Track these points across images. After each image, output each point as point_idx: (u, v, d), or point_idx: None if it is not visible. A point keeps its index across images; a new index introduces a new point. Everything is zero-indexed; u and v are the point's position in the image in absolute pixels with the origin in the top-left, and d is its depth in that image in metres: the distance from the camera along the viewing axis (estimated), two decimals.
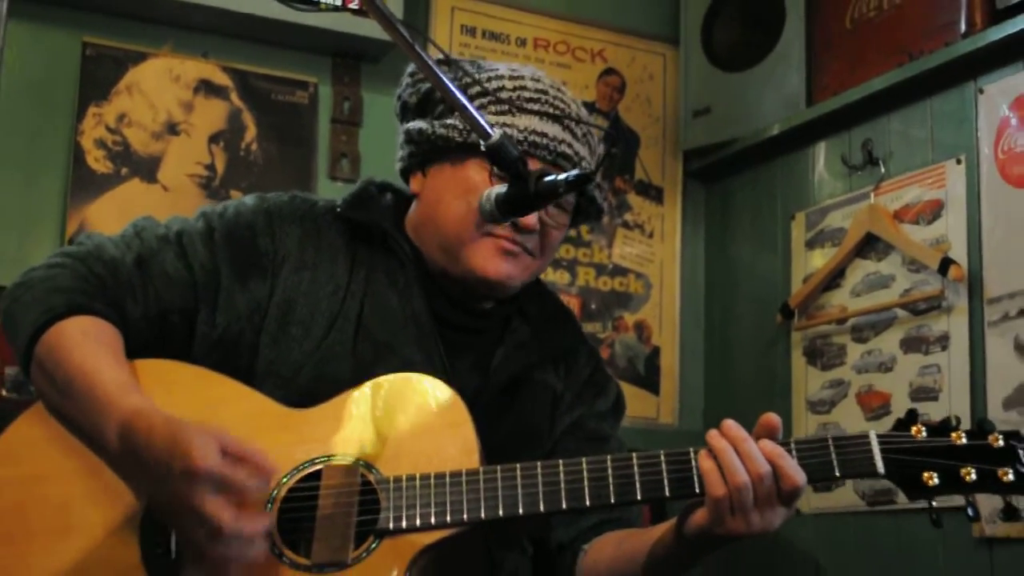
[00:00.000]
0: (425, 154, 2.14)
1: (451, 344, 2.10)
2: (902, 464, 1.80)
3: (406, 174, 2.20)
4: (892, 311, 3.55)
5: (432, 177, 2.13)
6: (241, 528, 1.68)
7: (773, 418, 1.81)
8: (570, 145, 2.09)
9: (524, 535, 2.13)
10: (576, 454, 2.09)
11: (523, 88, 2.11)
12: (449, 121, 2.09)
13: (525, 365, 2.15)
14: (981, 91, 3.36)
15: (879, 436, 1.81)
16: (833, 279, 3.76)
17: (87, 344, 1.87)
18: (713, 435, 1.80)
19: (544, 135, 2.06)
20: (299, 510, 1.83)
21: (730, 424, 1.80)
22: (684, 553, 1.87)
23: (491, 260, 2.05)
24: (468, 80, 2.09)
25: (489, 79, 2.11)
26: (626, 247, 4.29)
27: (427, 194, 2.14)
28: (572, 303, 4.07)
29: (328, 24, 3.71)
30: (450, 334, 2.11)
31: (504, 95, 2.08)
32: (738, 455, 1.76)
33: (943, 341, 3.36)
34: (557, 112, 2.10)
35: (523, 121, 2.06)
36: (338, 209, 2.14)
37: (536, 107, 2.09)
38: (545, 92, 2.12)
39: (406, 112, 2.21)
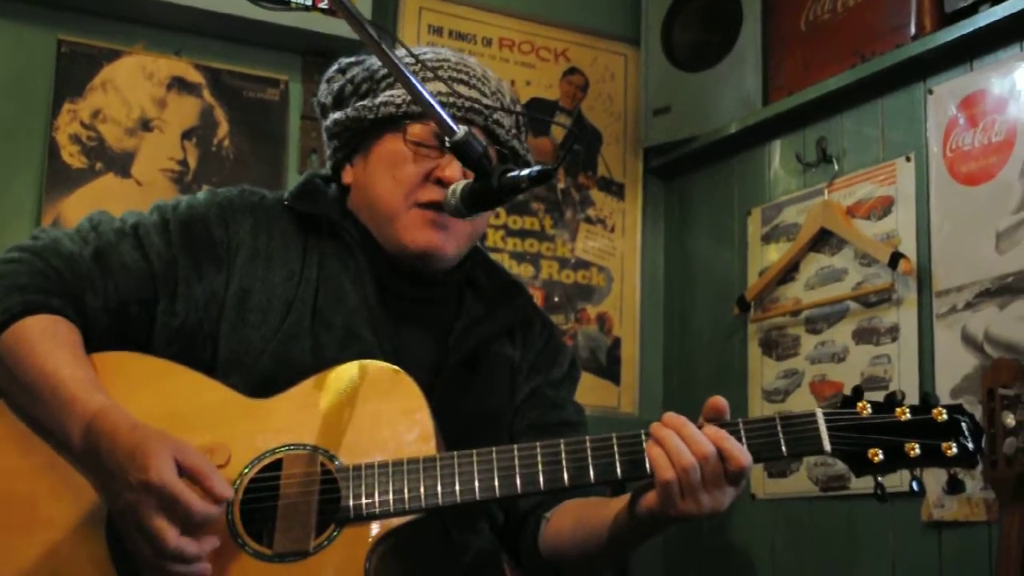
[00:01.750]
0: (347, 144, 2.18)
1: (409, 318, 2.13)
2: (848, 441, 1.80)
3: (337, 171, 2.24)
4: (844, 304, 3.60)
5: (358, 165, 2.18)
6: (181, 550, 1.69)
7: (719, 400, 1.82)
8: (477, 100, 2.12)
9: (486, 515, 2.16)
10: (536, 423, 2.16)
11: (425, 60, 2.15)
12: (360, 103, 2.14)
13: (482, 339, 2.17)
14: (930, 91, 3.41)
15: (825, 414, 1.82)
16: (788, 273, 3.80)
17: (46, 344, 1.86)
18: (655, 426, 1.81)
19: (448, 95, 2.08)
20: (261, 499, 1.83)
21: (670, 415, 1.81)
22: (639, 531, 1.89)
23: (420, 231, 2.07)
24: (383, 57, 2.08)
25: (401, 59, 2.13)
26: (588, 241, 4.33)
27: (357, 182, 2.18)
28: (536, 296, 4.08)
29: (298, 23, 3.75)
30: (408, 308, 2.14)
31: (413, 66, 2.09)
32: (682, 440, 1.77)
33: (893, 332, 3.42)
34: (460, 75, 2.14)
35: (432, 86, 2.07)
36: (285, 202, 2.16)
37: (439, 72, 2.12)
38: (447, 60, 2.17)
39: (325, 113, 2.25)
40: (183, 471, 1.70)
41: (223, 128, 3.79)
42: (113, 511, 1.77)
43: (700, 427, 1.80)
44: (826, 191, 3.70)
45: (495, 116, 2.14)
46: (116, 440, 1.74)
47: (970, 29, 3.27)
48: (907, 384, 3.36)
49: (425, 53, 2.20)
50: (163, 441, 1.72)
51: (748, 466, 1.77)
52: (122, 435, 1.74)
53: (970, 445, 1.80)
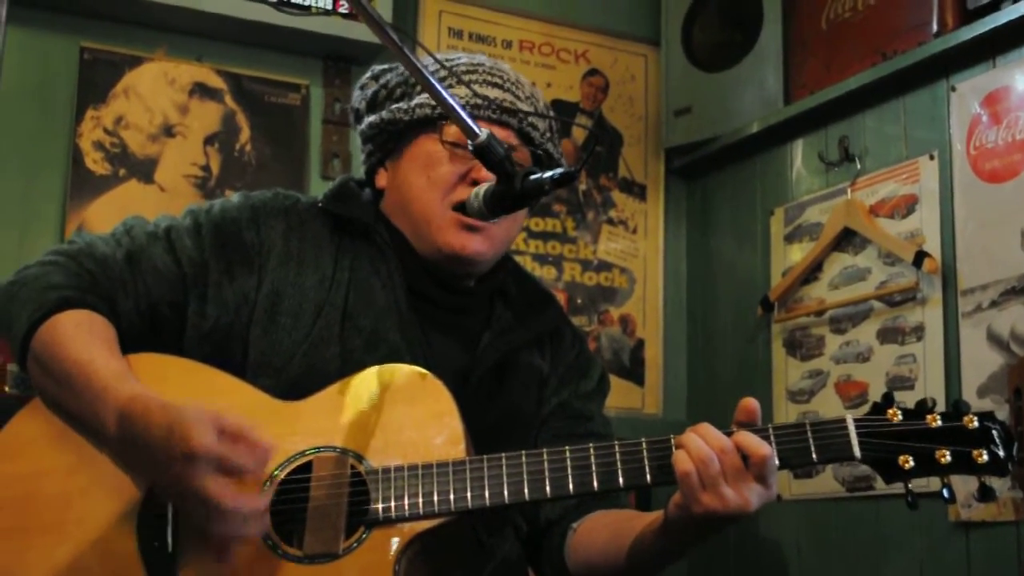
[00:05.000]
0: (382, 147, 2.21)
1: (438, 324, 2.14)
2: (878, 448, 1.80)
3: (371, 175, 2.26)
4: (869, 303, 3.59)
5: (391, 168, 2.20)
6: (241, 506, 1.70)
7: (750, 402, 1.83)
8: (513, 103, 2.14)
9: (512, 521, 2.16)
10: (562, 433, 2.16)
11: (457, 64, 2.18)
12: (395, 105, 2.16)
13: (511, 349, 2.18)
14: (953, 89, 3.40)
15: (856, 420, 1.81)
16: (811, 272, 3.80)
17: (81, 336, 1.89)
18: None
19: (485, 97, 2.11)
20: (291, 501, 1.84)
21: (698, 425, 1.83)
22: (671, 540, 1.87)
23: (456, 236, 2.08)
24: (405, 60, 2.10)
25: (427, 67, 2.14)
26: (610, 243, 4.33)
27: (391, 184, 2.20)
28: (559, 298, 4.10)
29: (319, 28, 3.76)
30: (438, 314, 2.15)
31: (441, 73, 2.13)
32: (700, 437, 1.77)
33: (918, 332, 3.41)
34: (494, 79, 2.17)
35: (462, 91, 2.11)
36: (320, 204, 2.17)
37: (474, 77, 2.15)
38: (481, 64, 2.19)
39: (359, 119, 2.27)
40: (223, 435, 1.71)
41: (245, 133, 3.80)
42: (158, 490, 1.79)
43: (730, 433, 1.80)
44: (849, 190, 3.70)
45: (529, 119, 2.16)
46: (150, 420, 1.74)
47: (992, 26, 3.26)
48: (933, 383, 3.35)
49: (460, 58, 2.23)
50: (197, 411, 1.73)
51: (769, 455, 1.76)
52: (155, 414, 1.75)
53: (1001, 453, 1.80)
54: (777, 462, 1.78)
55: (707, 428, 1.79)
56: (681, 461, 1.77)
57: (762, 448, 1.76)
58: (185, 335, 2.03)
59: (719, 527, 1.80)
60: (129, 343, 1.98)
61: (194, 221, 2.10)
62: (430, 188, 2.11)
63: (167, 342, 2.03)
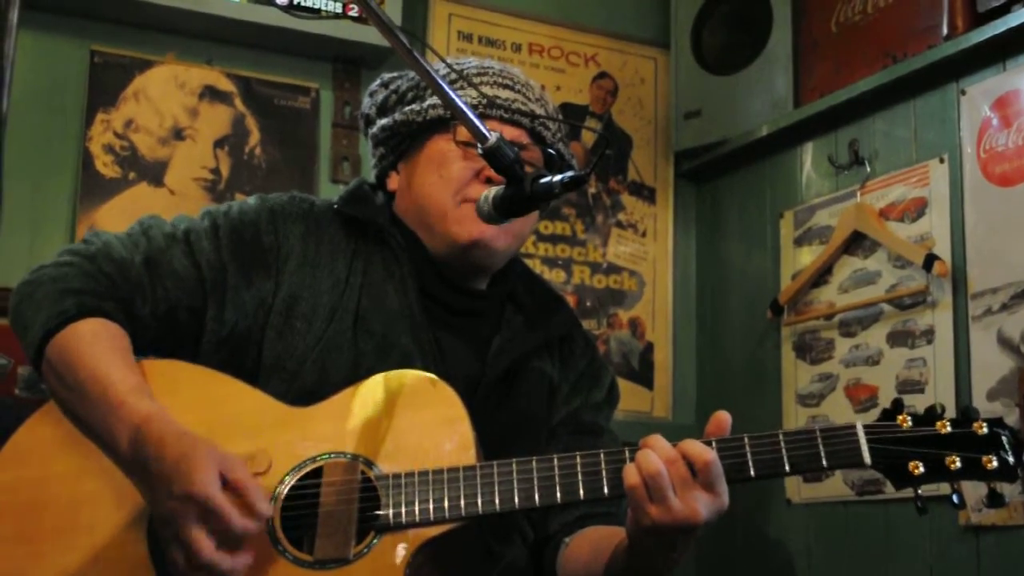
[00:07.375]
0: (394, 149, 2.22)
1: (450, 328, 2.14)
2: (888, 454, 1.81)
3: (382, 179, 2.27)
4: (878, 306, 3.58)
5: (404, 170, 2.21)
6: (215, 563, 1.69)
7: (721, 415, 1.83)
8: (524, 104, 2.16)
9: (519, 528, 2.16)
10: (570, 446, 2.12)
11: (467, 67, 2.20)
12: (408, 108, 2.17)
13: (522, 354, 2.18)
14: (963, 92, 3.39)
15: (865, 427, 1.82)
16: (821, 276, 3.79)
17: (98, 347, 1.89)
18: None
19: (496, 97, 2.12)
20: (302, 507, 1.85)
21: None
22: (636, 558, 1.87)
23: (471, 224, 2.08)
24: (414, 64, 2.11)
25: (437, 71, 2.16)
26: (620, 246, 4.33)
27: (404, 185, 2.21)
28: (568, 301, 4.11)
29: (329, 31, 3.77)
30: (449, 318, 2.15)
31: (451, 76, 2.13)
32: (651, 449, 1.77)
33: (928, 335, 3.40)
34: (505, 81, 2.19)
35: (472, 93, 2.12)
36: (335, 206, 2.18)
37: (484, 79, 2.17)
38: (491, 67, 2.21)
39: (370, 124, 2.28)
40: (227, 484, 1.71)
41: (255, 136, 3.80)
42: (155, 518, 1.78)
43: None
44: (859, 193, 3.69)
45: (539, 122, 2.17)
46: (163, 448, 1.74)
47: (1003, 29, 3.25)
48: (943, 387, 3.34)
49: (470, 62, 2.24)
50: (209, 452, 1.73)
51: (712, 461, 1.75)
52: (169, 443, 1.75)
53: (1010, 459, 1.80)
54: (722, 467, 1.77)
55: (657, 440, 1.79)
56: (629, 475, 1.76)
57: (706, 454, 1.75)
58: (202, 339, 2.03)
59: (672, 540, 1.79)
60: (146, 347, 1.99)
61: (212, 223, 2.10)
62: (443, 186, 2.12)
63: (184, 346, 2.03)
